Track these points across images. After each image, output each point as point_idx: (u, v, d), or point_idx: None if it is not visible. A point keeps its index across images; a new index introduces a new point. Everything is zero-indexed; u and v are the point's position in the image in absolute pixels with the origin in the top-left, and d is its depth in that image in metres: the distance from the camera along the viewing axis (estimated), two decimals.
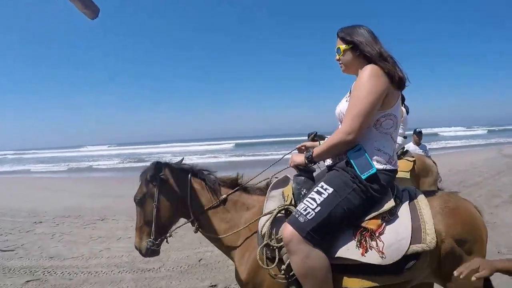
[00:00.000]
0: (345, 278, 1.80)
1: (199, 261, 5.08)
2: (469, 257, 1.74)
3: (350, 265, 1.76)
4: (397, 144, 4.60)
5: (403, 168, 4.59)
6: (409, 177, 4.60)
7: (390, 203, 1.81)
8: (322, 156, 1.94)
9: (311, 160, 1.94)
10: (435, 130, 50.40)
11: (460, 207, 1.89)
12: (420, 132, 6.57)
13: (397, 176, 3.76)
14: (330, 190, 1.79)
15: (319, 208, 1.74)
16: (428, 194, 2.00)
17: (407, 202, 1.88)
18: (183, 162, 2.43)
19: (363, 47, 1.85)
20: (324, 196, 1.77)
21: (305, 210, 1.76)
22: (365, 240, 1.75)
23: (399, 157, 4.78)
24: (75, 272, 4.82)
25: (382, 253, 1.69)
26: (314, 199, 1.78)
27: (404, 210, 1.84)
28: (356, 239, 1.77)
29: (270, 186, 2.16)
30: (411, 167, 4.65)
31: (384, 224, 1.78)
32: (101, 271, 4.77)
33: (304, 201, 1.81)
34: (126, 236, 6.42)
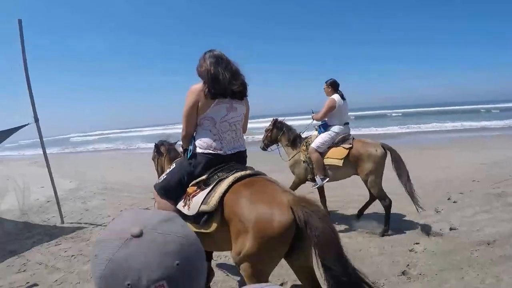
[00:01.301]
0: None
1: None
2: (243, 236, 2.10)
3: (187, 215, 2.43)
4: (333, 133, 5.08)
5: (337, 156, 4.90)
6: (341, 164, 4.84)
7: (202, 177, 2.49)
8: (184, 145, 2.75)
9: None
10: None
11: (247, 194, 2.20)
12: None
13: (329, 163, 4.95)
14: (174, 165, 2.80)
15: (165, 176, 2.75)
16: (250, 176, 2.41)
17: (222, 178, 2.41)
18: (176, 143, 3.86)
19: (197, 68, 2.64)
20: (170, 169, 2.78)
21: (161, 177, 2.82)
22: (186, 198, 2.50)
23: (337, 145, 4.99)
24: None
25: (189, 207, 2.44)
26: (167, 171, 2.83)
27: (214, 183, 2.41)
28: (184, 197, 2.54)
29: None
30: (345, 155, 4.82)
31: (199, 190, 2.46)
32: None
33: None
34: None
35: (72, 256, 4.58)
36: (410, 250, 3.99)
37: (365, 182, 4.83)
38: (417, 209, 4.60)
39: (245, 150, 2.76)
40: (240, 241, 2.09)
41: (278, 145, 5.76)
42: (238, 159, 2.62)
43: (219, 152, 2.52)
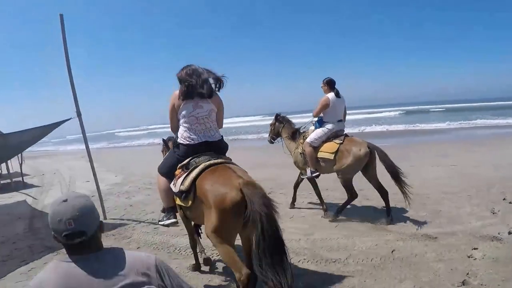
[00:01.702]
0: (175, 198, 3.24)
1: (392, 252, 3.97)
2: (209, 211, 2.72)
3: (174, 191, 3.17)
4: (326, 129, 5.47)
5: (328, 150, 5.32)
6: (332, 158, 5.25)
7: (183, 163, 3.17)
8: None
9: None
10: None
11: (210, 178, 2.83)
12: None
13: (322, 156, 5.44)
14: (168, 153, 3.67)
15: (163, 160, 3.61)
16: (219, 164, 3.01)
17: (198, 165, 3.00)
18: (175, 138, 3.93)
19: (177, 74, 3.32)
20: (166, 156, 3.66)
21: (161, 162, 3.53)
22: (175, 179, 3.17)
23: (330, 140, 5.39)
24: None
25: (174, 186, 3.12)
26: (164, 158, 3.75)
27: (191, 169, 3.02)
28: (174, 178, 3.21)
29: None
30: (336, 149, 5.23)
31: (182, 173, 3.08)
32: None
33: None
34: (300, 215, 5.66)
35: None
36: (469, 256, 3.70)
37: (337, 172, 5.25)
38: (406, 202, 4.95)
39: (219, 140, 3.35)
40: (208, 216, 2.71)
41: (281, 138, 6.24)
42: (211, 148, 3.24)
43: (190, 142, 3.21)
